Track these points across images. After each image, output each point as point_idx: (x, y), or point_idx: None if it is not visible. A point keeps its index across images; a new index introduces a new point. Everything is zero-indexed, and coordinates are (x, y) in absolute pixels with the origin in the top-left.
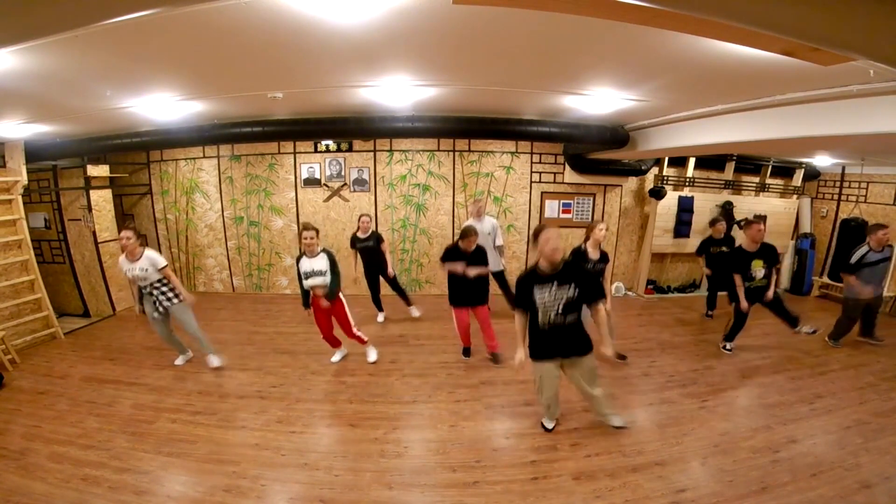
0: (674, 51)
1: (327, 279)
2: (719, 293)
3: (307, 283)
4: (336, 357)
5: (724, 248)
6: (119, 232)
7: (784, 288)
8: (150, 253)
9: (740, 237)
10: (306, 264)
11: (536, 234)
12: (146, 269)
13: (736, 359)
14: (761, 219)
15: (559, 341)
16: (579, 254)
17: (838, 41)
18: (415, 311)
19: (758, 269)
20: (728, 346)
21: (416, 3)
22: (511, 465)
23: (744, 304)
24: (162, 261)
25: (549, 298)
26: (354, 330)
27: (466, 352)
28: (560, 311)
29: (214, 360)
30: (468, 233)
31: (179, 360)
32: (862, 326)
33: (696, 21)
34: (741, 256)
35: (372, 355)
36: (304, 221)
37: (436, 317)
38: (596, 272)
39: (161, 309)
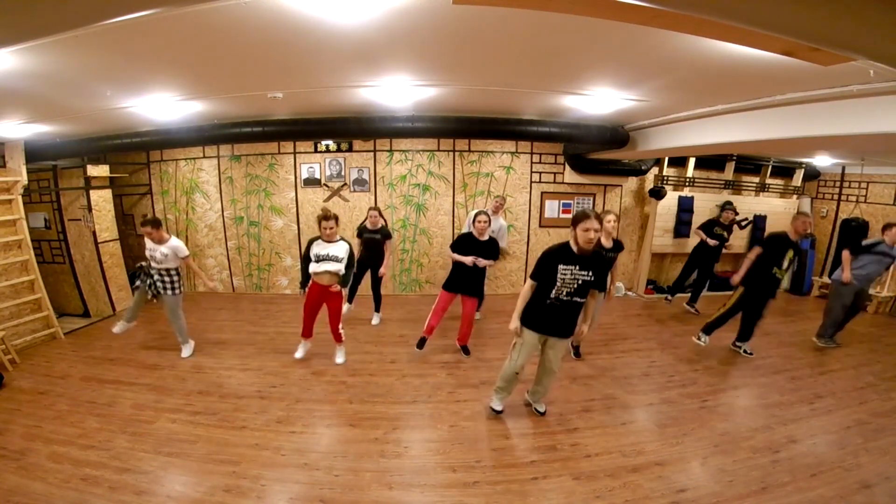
0: (674, 51)
1: (341, 267)
2: (708, 293)
3: (318, 266)
4: (299, 353)
5: (724, 233)
6: (141, 227)
7: (784, 288)
8: (175, 241)
9: (739, 237)
10: (322, 248)
11: (577, 219)
12: (167, 255)
13: (736, 358)
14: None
15: (557, 318)
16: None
17: (838, 41)
18: (375, 319)
19: (788, 259)
20: (703, 339)
21: (416, 3)
22: (511, 465)
23: (736, 278)
24: (185, 250)
25: (569, 277)
26: (340, 327)
27: (422, 343)
28: (573, 290)
29: (186, 350)
30: (476, 215)
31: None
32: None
33: (696, 21)
34: (782, 242)
35: (340, 357)
36: (324, 208)
37: None
38: (609, 260)
39: (154, 291)
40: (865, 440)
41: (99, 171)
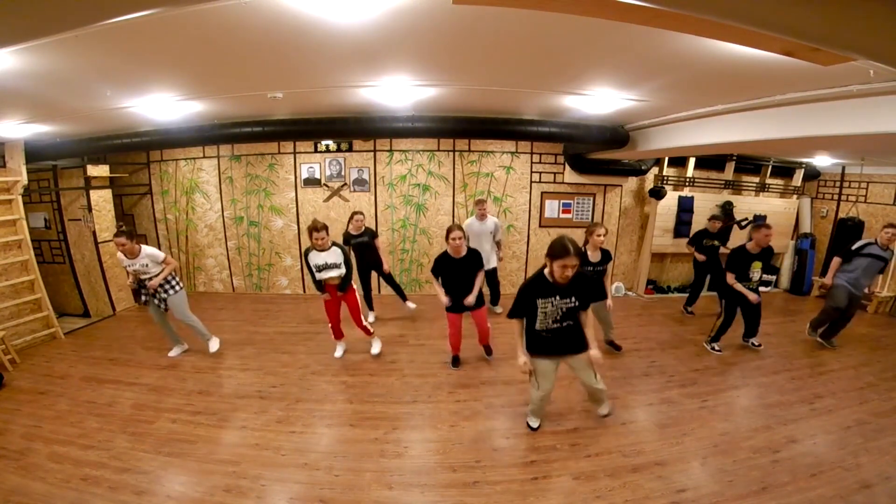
0: (674, 51)
1: (342, 271)
2: (708, 293)
3: (321, 275)
4: (338, 352)
5: (715, 242)
6: (115, 237)
7: (784, 288)
8: (148, 249)
9: (738, 237)
10: (318, 258)
11: (555, 253)
12: (146, 265)
13: (736, 358)
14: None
15: (556, 343)
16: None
17: (838, 41)
18: (410, 305)
19: (756, 270)
20: (716, 347)
21: (416, 3)
22: (511, 465)
23: (752, 296)
24: (160, 254)
25: (550, 308)
26: (363, 320)
27: (455, 361)
28: (559, 318)
29: (213, 345)
30: (449, 231)
31: (174, 352)
32: (828, 326)
33: (696, 21)
34: (743, 257)
35: (376, 348)
36: (314, 221)
37: (436, 317)
38: (598, 273)
39: (162, 301)
40: (865, 440)
41: (99, 171)
